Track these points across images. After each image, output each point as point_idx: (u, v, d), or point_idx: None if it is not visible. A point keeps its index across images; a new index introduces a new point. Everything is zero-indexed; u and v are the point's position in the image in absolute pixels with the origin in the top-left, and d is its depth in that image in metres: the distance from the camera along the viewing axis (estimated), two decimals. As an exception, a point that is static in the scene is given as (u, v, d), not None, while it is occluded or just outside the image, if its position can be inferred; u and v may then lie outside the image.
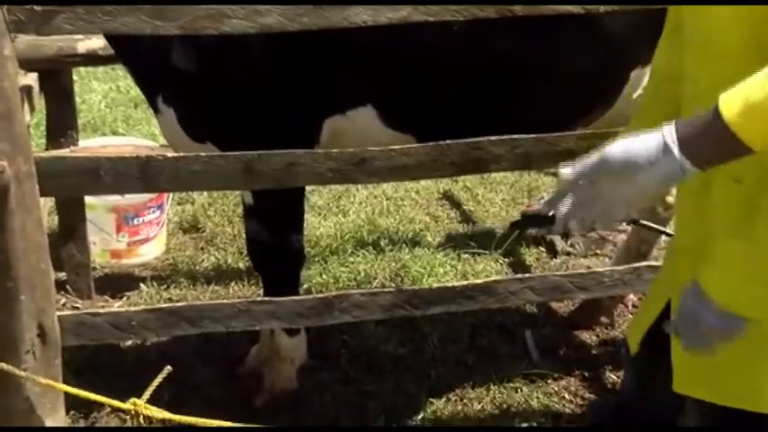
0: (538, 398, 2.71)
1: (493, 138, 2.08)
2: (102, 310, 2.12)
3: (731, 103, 1.13)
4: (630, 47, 2.27)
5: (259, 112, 2.24)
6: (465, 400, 2.70)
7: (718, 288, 1.29)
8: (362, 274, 3.37)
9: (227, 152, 2.00)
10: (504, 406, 2.67)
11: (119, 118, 4.88)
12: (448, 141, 2.07)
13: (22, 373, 1.90)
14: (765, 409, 1.41)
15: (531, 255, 3.61)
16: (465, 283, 2.30)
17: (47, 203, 2.96)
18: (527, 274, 2.43)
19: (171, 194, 3.70)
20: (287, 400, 2.64)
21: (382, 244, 3.60)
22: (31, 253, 1.86)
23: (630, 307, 3.23)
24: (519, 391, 2.74)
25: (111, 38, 2.32)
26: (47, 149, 2.95)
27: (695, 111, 1.29)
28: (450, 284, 2.31)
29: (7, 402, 1.98)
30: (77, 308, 2.99)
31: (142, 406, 1.99)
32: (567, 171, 1.28)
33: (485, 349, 2.95)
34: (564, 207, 1.32)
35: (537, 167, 3.09)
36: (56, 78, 2.81)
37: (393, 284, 3.27)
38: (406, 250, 3.53)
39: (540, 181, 4.34)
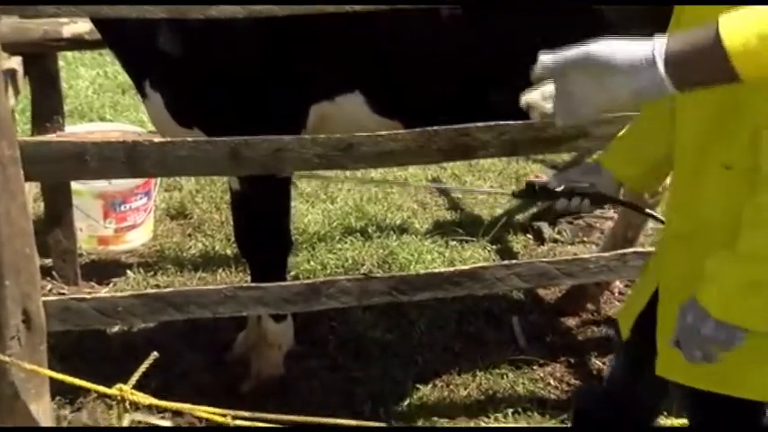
0: (524, 384, 2.72)
1: (480, 124, 2.08)
2: (87, 296, 2.11)
3: (734, 33, 1.09)
4: (620, 33, 2.26)
5: (246, 97, 2.23)
6: (451, 386, 2.72)
7: (716, 303, 1.29)
8: (350, 261, 3.37)
9: (214, 137, 1.99)
10: (491, 392, 2.69)
11: (106, 104, 4.84)
12: (435, 127, 2.07)
13: (7, 359, 1.90)
14: (736, 393, 1.43)
15: (518, 242, 3.62)
16: (452, 269, 2.31)
17: (32, 189, 2.94)
18: (514, 261, 2.44)
19: (158, 181, 3.68)
20: (274, 386, 2.65)
21: (370, 231, 3.60)
22: (16, 238, 1.85)
23: (617, 294, 3.25)
24: (505, 377, 2.75)
25: (97, 22, 2.31)
26: (32, 135, 2.92)
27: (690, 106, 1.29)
28: (437, 270, 2.32)
29: (-8, 388, 1.98)
30: (63, 294, 2.98)
31: (128, 392, 1.99)
32: (546, 57, 1.23)
33: (472, 335, 2.97)
34: (533, 96, 1.28)
35: (524, 154, 3.11)
36: (41, 62, 2.79)
37: (381, 271, 3.28)
38: (394, 237, 3.53)
39: (527, 168, 4.34)
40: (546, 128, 2.13)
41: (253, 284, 2.26)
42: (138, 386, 2.00)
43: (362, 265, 3.37)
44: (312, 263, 3.34)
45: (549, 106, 1.24)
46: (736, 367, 1.39)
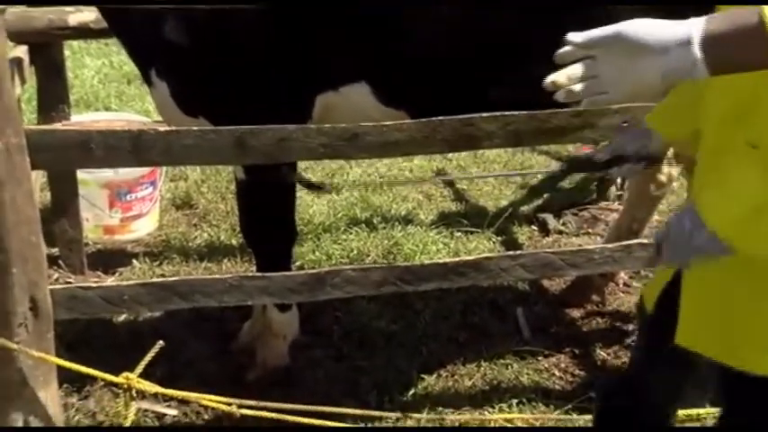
0: (528, 374, 2.73)
1: (485, 114, 2.08)
2: (94, 284, 2.12)
3: None
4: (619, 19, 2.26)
5: (251, 86, 2.23)
6: (456, 377, 2.72)
7: (715, 217, 1.28)
8: (355, 252, 3.38)
9: (220, 127, 1.99)
10: (495, 382, 2.69)
11: (112, 94, 4.85)
12: (440, 118, 2.06)
13: (15, 346, 1.91)
14: (750, 369, 1.42)
15: (523, 233, 3.62)
16: (456, 259, 2.31)
17: (39, 179, 2.95)
18: (518, 252, 2.43)
19: (164, 171, 3.69)
20: (279, 376, 2.66)
21: (375, 222, 3.61)
22: (22, 225, 1.86)
23: (621, 285, 3.24)
24: (509, 367, 2.76)
25: (103, 11, 2.31)
26: (38, 124, 2.93)
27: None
28: (441, 261, 2.32)
29: (0, 375, 1.99)
30: (70, 283, 2.99)
31: (135, 380, 2.01)
32: (574, 36, 1.20)
33: (476, 326, 2.97)
34: (560, 75, 1.24)
35: (528, 144, 3.10)
36: (46, 51, 2.79)
37: (385, 262, 3.28)
38: (399, 228, 3.54)
39: (533, 160, 4.34)
40: (550, 118, 2.12)
41: (258, 274, 2.27)
42: (145, 375, 2.02)
43: (367, 255, 3.37)
44: (317, 253, 3.35)
45: (576, 87, 1.22)
46: (755, 343, 1.38)
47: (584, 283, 3.11)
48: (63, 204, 3.06)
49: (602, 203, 3.84)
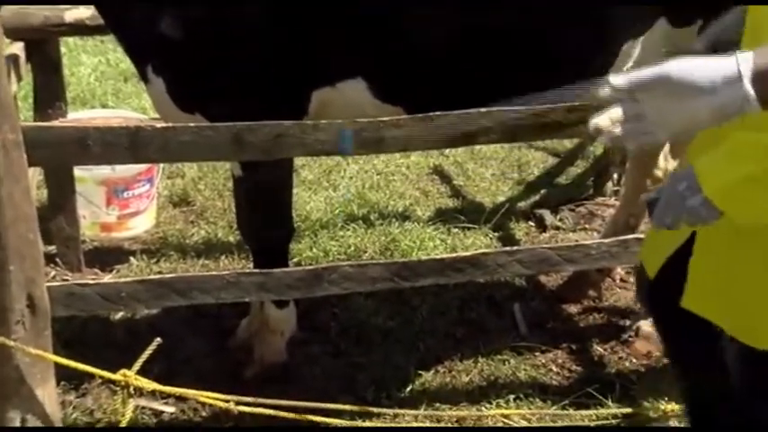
0: (525, 370, 2.73)
1: (482, 110, 2.08)
2: (91, 281, 2.12)
3: None
4: (621, 19, 2.27)
5: (247, 82, 2.23)
6: (453, 372, 2.72)
7: (712, 183, 1.26)
8: (352, 248, 3.38)
9: (216, 123, 1.99)
10: (492, 378, 2.70)
11: (108, 91, 4.84)
12: (437, 113, 2.07)
13: (12, 343, 1.91)
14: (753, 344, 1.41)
15: (520, 229, 3.62)
16: (453, 255, 2.31)
17: (35, 176, 2.95)
18: (515, 247, 2.44)
19: (161, 168, 3.69)
20: (276, 372, 2.66)
21: (372, 218, 3.61)
22: (20, 222, 1.86)
23: (618, 281, 3.25)
24: (507, 363, 2.76)
25: (99, 7, 2.30)
26: (35, 121, 2.93)
27: None
28: (439, 257, 2.32)
29: (-2, 372, 1.99)
30: (67, 280, 2.99)
31: (132, 377, 2.01)
32: (618, 79, 1.18)
33: (473, 322, 2.98)
34: (603, 119, 1.20)
35: (525, 140, 3.11)
36: (43, 48, 2.79)
37: (383, 258, 3.28)
38: (396, 224, 3.54)
39: (530, 156, 4.35)
40: (547, 114, 2.13)
41: (255, 270, 2.27)
42: (142, 372, 2.02)
43: (365, 252, 3.37)
44: (314, 250, 3.35)
45: (620, 131, 1.21)
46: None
47: (580, 279, 3.12)
48: (60, 202, 3.06)
49: (599, 199, 3.84)
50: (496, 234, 3.55)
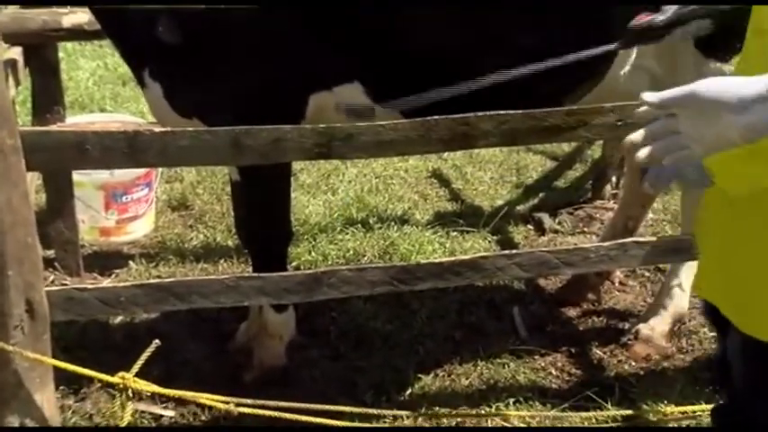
0: (525, 373, 2.73)
1: (480, 113, 2.08)
2: (90, 286, 2.12)
3: None
4: (616, 22, 2.27)
5: (245, 87, 2.23)
6: (453, 376, 2.72)
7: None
8: (351, 252, 3.38)
9: (214, 128, 1.99)
10: (492, 381, 2.69)
11: (107, 96, 4.85)
12: (435, 117, 2.07)
13: (10, 348, 1.90)
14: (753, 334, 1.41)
15: (518, 233, 3.62)
16: (452, 259, 2.31)
17: (34, 181, 2.95)
18: (514, 251, 2.44)
19: (159, 172, 3.69)
20: (276, 376, 2.65)
21: (371, 222, 3.61)
22: (18, 227, 1.86)
23: (617, 284, 3.25)
24: (506, 366, 2.76)
25: (97, 12, 2.31)
26: (33, 126, 2.93)
27: None
28: (437, 260, 2.32)
29: (-4, 377, 1.99)
30: (66, 285, 2.98)
31: (131, 380, 2.01)
32: (650, 96, 1.17)
33: (473, 325, 2.98)
34: (638, 134, 1.20)
35: (524, 143, 3.11)
36: (41, 53, 2.79)
37: (382, 262, 3.29)
38: (395, 228, 3.54)
39: (528, 159, 4.35)
40: (546, 117, 2.13)
41: (254, 275, 2.27)
42: (141, 376, 2.02)
43: (363, 255, 3.37)
44: (313, 254, 3.35)
45: (657, 146, 1.20)
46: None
47: (579, 282, 3.12)
48: (58, 206, 3.05)
49: (598, 202, 3.85)
50: (495, 237, 3.55)
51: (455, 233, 3.53)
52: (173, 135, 1.95)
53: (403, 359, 2.77)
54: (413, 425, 2.45)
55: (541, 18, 2.25)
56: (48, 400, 2.07)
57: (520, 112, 2.11)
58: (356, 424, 2.35)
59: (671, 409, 2.45)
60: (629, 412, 2.48)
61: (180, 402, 2.44)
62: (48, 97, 2.90)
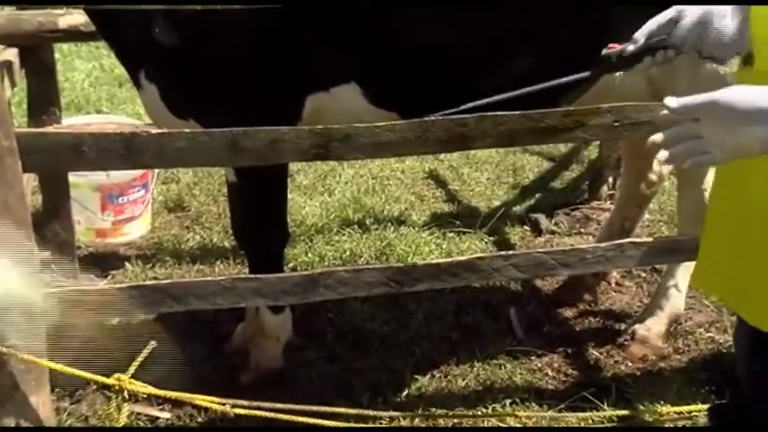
0: (521, 374, 2.73)
1: (477, 114, 2.08)
2: (87, 288, 2.11)
3: None
4: (613, 21, 2.27)
5: (241, 88, 2.23)
6: (449, 377, 2.72)
7: None
8: (348, 253, 3.38)
9: (210, 129, 1.99)
10: (488, 382, 2.69)
11: (103, 97, 4.84)
12: (432, 118, 2.07)
13: (6, 350, 1.90)
14: (739, 313, 1.42)
15: (515, 233, 3.63)
16: (449, 260, 2.31)
17: (30, 182, 2.94)
18: (511, 252, 2.44)
19: (156, 173, 3.68)
20: (273, 378, 2.65)
21: (368, 223, 3.61)
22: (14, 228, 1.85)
23: (614, 284, 3.26)
24: (503, 367, 2.76)
25: (92, 13, 2.30)
26: (29, 127, 2.92)
27: None
28: (434, 261, 2.32)
29: (-9, 379, 1.98)
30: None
31: (126, 381, 2.01)
32: (672, 102, 1.20)
33: (469, 326, 2.98)
34: (661, 135, 1.24)
35: (521, 144, 3.11)
36: (37, 54, 2.78)
37: (378, 263, 3.28)
38: (392, 229, 3.54)
39: (524, 160, 4.36)
40: (543, 118, 2.13)
41: (251, 276, 2.27)
42: (137, 377, 2.01)
43: (360, 256, 3.37)
44: (310, 255, 3.35)
45: (679, 149, 1.23)
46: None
47: (576, 283, 3.12)
48: (55, 207, 3.04)
49: (594, 203, 3.85)
50: (492, 238, 3.55)
51: (452, 234, 3.53)
52: (169, 137, 1.95)
53: (400, 360, 2.77)
54: (409, 426, 2.45)
55: (539, 19, 2.25)
56: (43, 403, 2.06)
57: (517, 113, 2.11)
58: (353, 425, 2.35)
59: (667, 409, 2.45)
60: (626, 413, 2.48)
61: (176, 404, 2.43)
62: (44, 99, 2.89)
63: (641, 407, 2.50)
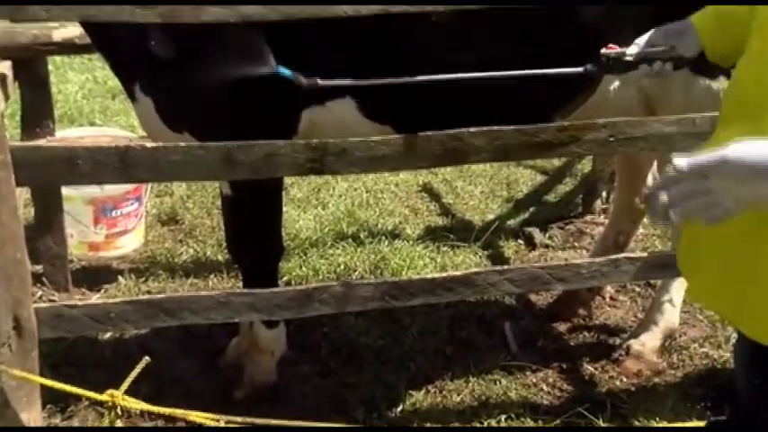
0: (516, 389, 2.72)
1: (472, 129, 2.09)
2: (79, 302, 2.10)
3: None
4: (606, 36, 2.28)
5: (236, 101, 2.23)
6: (444, 392, 2.71)
7: None
8: (342, 267, 3.37)
9: (205, 142, 1.99)
10: (483, 398, 2.68)
11: (96, 109, 4.83)
12: (428, 132, 2.07)
13: (-3, 365, 1.88)
14: (739, 327, 1.41)
15: (509, 247, 3.62)
16: (444, 274, 2.31)
17: (23, 195, 2.92)
18: (506, 266, 2.44)
19: (149, 186, 3.67)
20: (267, 392, 2.63)
21: (362, 236, 3.60)
22: (7, 242, 1.84)
23: (608, 299, 3.25)
24: (498, 382, 2.75)
25: (87, 26, 2.30)
26: (22, 140, 2.91)
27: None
28: (429, 276, 2.31)
29: (-18, 395, 1.96)
30: (54, 300, 2.96)
31: (120, 397, 1.98)
32: (681, 162, 1.18)
33: (464, 341, 2.97)
34: (669, 193, 1.22)
35: (516, 159, 3.12)
36: (31, 67, 2.77)
37: (373, 277, 3.27)
38: (386, 243, 3.53)
39: (518, 173, 4.36)
40: (538, 133, 2.13)
41: (245, 290, 2.25)
42: (131, 393, 1.99)
43: (354, 270, 3.36)
44: (304, 268, 3.34)
45: (689, 205, 1.21)
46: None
47: (570, 298, 3.12)
48: (47, 220, 3.03)
49: (588, 217, 3.86)
50: (486, 252, 3.55)
51: (446, 248, 3.53)
52: (164, 150, 1.94)
53: (394, 375, 2.76)
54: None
55: (540, 42, 2.25)
56: (35, 420, 2.04)
57: (512, 127, 2.11)
58: (347, 440, 2.33)
59: (662, 425, 2.45)
60: (621, 428, 2.47)
61: (170, 420, 2.41)
62: (37, 111, 2.88)
63: (636, 422, 2.50)
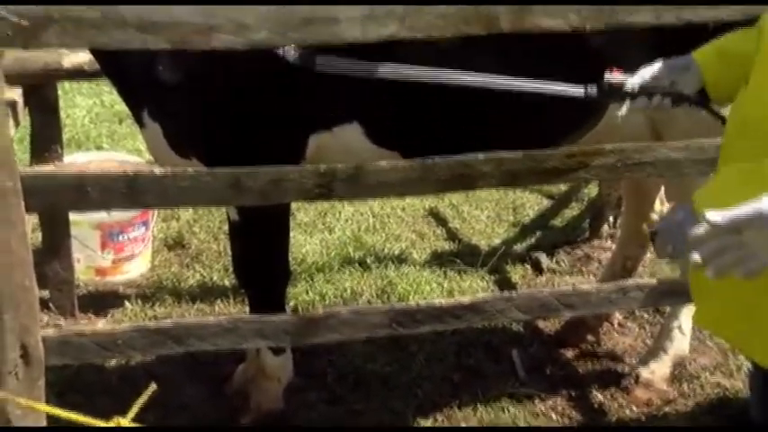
0: (525, 418, 2.69)
1: (480, 155, 2.08)
2: (87, 329, 2.09)
3: None
4: (614, 61, 2.28)
5: (245, 128, 2.23)
6: (452, 420, 2.69)
7: (708, 204, 1.25)
8: (349, 292, 3.36)
9: (214, 168, 1.99)
10: (491, 426, 2.65)
11: (103, 133, 4.85)
12: (435, 158, 2.07)
13: (3, 395, 1.86)
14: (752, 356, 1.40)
15: (516, 272, 3.61)
16: (452, 301, 2.29)
17: (30, 220, 2.93)
18: (514, 293, 2.42)
19: (156, 211, 3.67)
20: (273, 420, 2.62)
21: (368, 261, 3.59)
22: (16, 269, 1.84)
23: (616, 325, 3.23)
24: (506, 411, 2.72)
25: (96, 52, 2.31)
26: (31, 164, 2.92)
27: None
28: (437, 303, 2.30)
29: (-13, 424, 1.94)
30: (60, 326, 2.95)
31: (127, 425, 1.96)
32: (716, 218, 1.18)
33: (471, 368, 2.94)
34: (701, 252, 1.21)
35: (523, 185, 3.11)
36: (41, 92, 2.79)
37: (380, 301, 3.26)
38: (393, 267, 3.52)
39: (524, 198, 4.35)
40: (546, 159, 2.13)
41: (253, 316, 2.24)
42: (138, 420, 1.97)
43: (361, 295, 3.35)
44: (310, 293, 3.32)
45: (725, 260, 1.21)
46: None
47: (579, 324, 3.10)
48: (55, 245, 3.03)
49: (595, 242, 3.84)
50: (493, 277, 3.54)
51: (453, 273, 3.52)
52: (173, 176, 1.94)
53: (401, 402, 2.74)
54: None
55: (540, 59, 2.26)
56: (40, 448, 2.02)
57: (520, 153, 2.11)
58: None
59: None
60: (621, 428, 2.44)
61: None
62: (46, 136, 2.89)
63: (647, 452, 2.47)
